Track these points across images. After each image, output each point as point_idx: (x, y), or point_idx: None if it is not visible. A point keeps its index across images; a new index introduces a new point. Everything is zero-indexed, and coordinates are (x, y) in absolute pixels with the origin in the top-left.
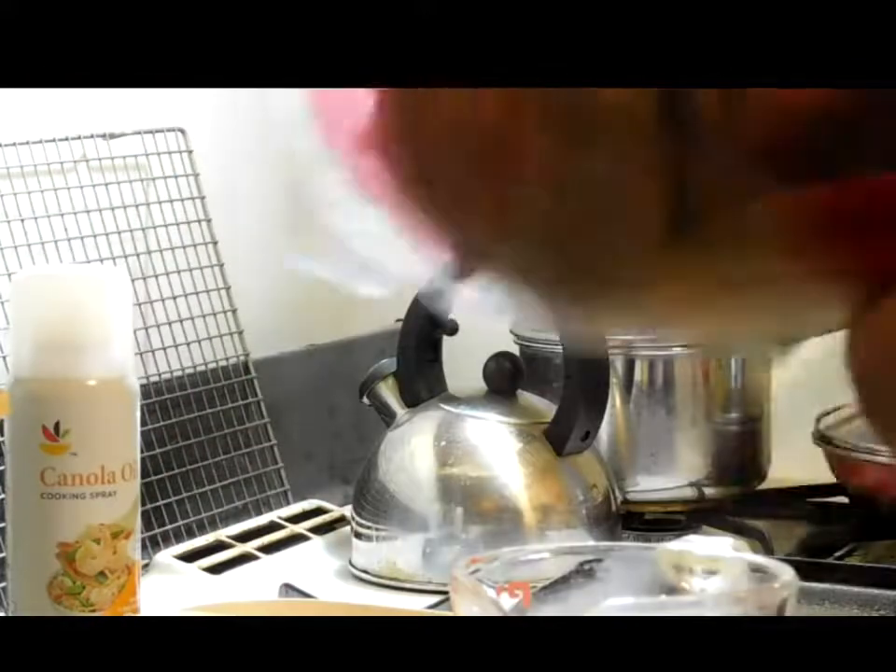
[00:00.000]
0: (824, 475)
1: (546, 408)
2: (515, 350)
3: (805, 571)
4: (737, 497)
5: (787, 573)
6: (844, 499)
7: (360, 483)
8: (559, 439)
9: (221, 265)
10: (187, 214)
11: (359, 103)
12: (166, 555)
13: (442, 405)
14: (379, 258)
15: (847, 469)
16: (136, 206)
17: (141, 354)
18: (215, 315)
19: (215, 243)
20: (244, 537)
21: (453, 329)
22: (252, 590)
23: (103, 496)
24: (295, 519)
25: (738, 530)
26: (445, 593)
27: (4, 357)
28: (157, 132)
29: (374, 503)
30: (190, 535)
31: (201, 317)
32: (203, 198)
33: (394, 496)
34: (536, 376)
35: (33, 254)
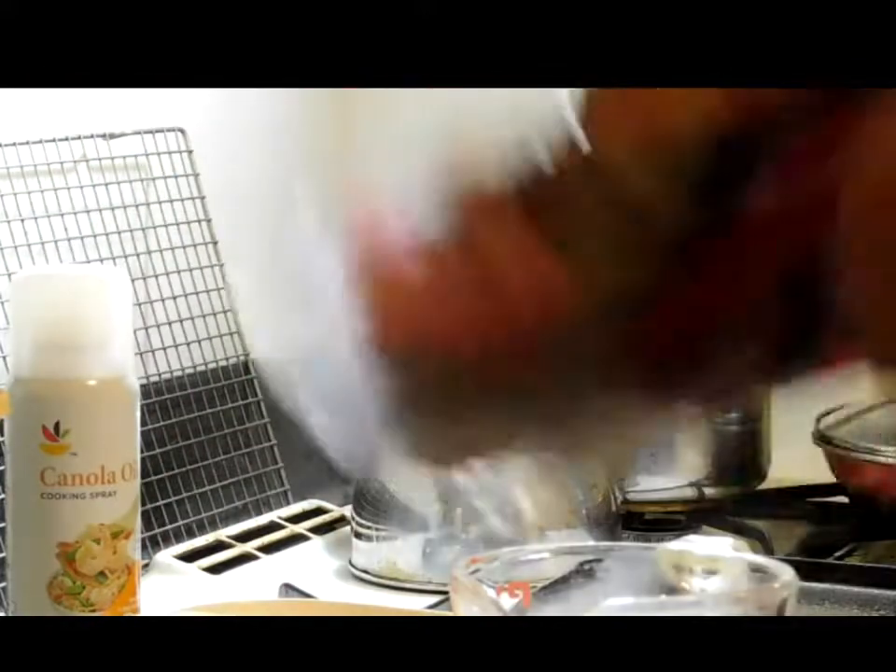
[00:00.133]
0: (824, 475)
1: None
2: None
3: (805, 571)
4: (737, 496)
5: (787, 573)
6: (844, 499)
7: (360, 483)
8: None
9: (221, 265)
10: (187, 214)
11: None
12: (166, 555)
13: None
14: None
15: (847, 469)
16: (136, 206)
17: (141, 354)
18: (215, 314)
19: (215, 243)
20: (244, 537)
21: None
22: (252, 590)
23: (103, 496)
24: (295, 519)
25: (738, 530)
26: (445, 593)
27: (4, 357)
28: (157, 132)
29: (374, 503)
30: (190, 535)
31: (201, 317)
32: (203, 198)
33: (394, 496)
34: None
35: (33, 254)
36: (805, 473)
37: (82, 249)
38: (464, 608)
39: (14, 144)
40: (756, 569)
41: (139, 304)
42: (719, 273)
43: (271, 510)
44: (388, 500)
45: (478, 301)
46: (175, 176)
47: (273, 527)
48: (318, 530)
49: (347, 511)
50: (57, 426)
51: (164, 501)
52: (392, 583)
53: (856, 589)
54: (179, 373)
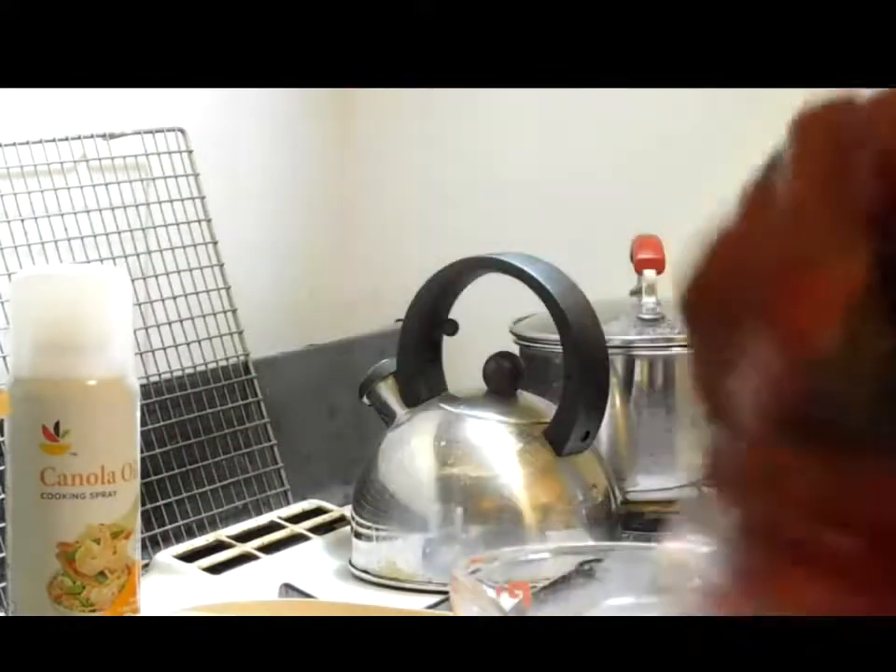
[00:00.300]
0: None
1: (546, 408)
2: (515, 350)
3: None
4: None
5: None
6: None
7: (360, 482)
8: (559, 439)
9: (221, 265)
10: (187, 214)
11: None
12: (166, 555)
13: (442, 405)
14: None
15: None
16: (136, 206)
17: (141, 354)
18: (215, 314)
19: (215, 243)
20: (244, 537)
21: (453, 329)
22: (252, 590)
23: (103, 496)
24: (295, 519)
25: None
26: (445, 593)
27: (4, 357)
28: (157, 132)
29: (374, 503)
30: (190, 535)
31: (201, 317)
32: (203, 198)
33: (394, 496)
34: (536, 376)
35: (33, 254)
36: None
37: (82, 249)
38: (464, 608)
39: (14, 144)
40: None
41: (139, 304)
42: None
43: (271, 510)
44: (388, 500)
45: None
46: (175, 176)
47: (272, 527)
48: (318, 530)
49: (347, 511)
50: (57, 426)
51: (164, 501)
52: (392, 583)
53: None
54: (179, 373)
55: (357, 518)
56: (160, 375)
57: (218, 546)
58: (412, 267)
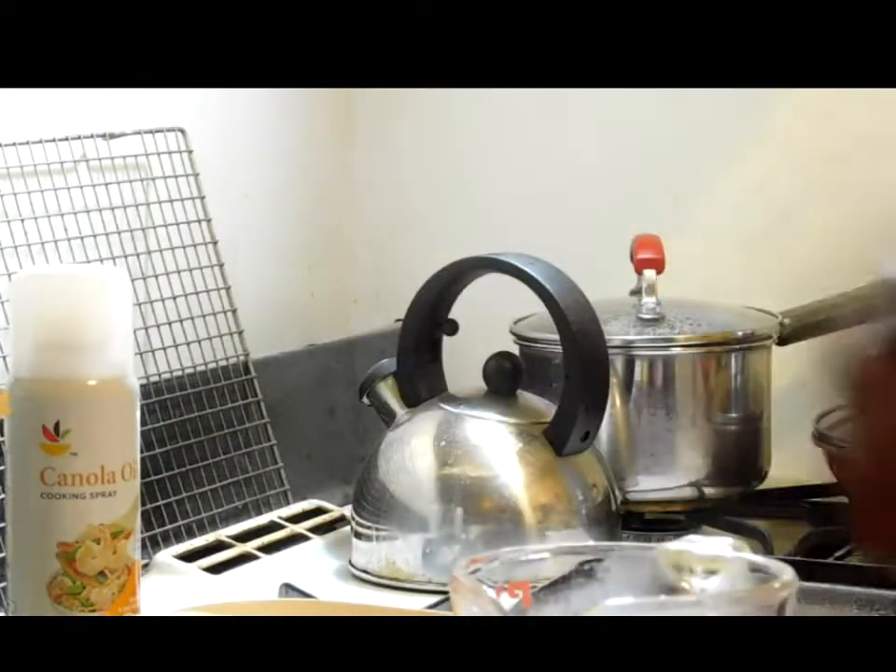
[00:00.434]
0: (824, 475)
1: (546, 408)
2: (515, 350)
3: (805, 571)
4: (737, 496)
5: (787, 573)
6: (844, 499)
7: (360, 483)
8: (559, 439)
9: (221, 265)
10: (187, 214)
11: None
12: (166, 555)
13: (442, 405)
14: None
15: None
16: (136, 206)
17: (141, 354)
18: (215, 314)
19: (215, 243)
20: (244, 537)
21: (453, 329)
22: (252, 590)
23: (103, 496)
24: (295, 519)
25: (738, 530)
26: (445, 593)
27: (4, 357)
28: (157, 132)
29: (374, 503)
30: (190, 535)
31: (201, 317)
32: (203, 198)
33: (394, 496)
34: (536, 376)
35: (33, 254)
36: (805, 473)
37: (82, 249)
38: (464, 608)
39: (14, 144)
40: (756, 569)
41: (139, 304)
42: None
43: (271, 510)
44: (388, 500)
45: None
46: (175, 176)
47: (272, 527)
48: (318, 530)
49: (347, 510)
50: (57, 426)
51: (164, 501)
52: (392, 583)
53: (856, 589)
54: (179, 373)
55: (357, 518)
56: (160, 375)
57: (218, 546)
58: (412, 267)
